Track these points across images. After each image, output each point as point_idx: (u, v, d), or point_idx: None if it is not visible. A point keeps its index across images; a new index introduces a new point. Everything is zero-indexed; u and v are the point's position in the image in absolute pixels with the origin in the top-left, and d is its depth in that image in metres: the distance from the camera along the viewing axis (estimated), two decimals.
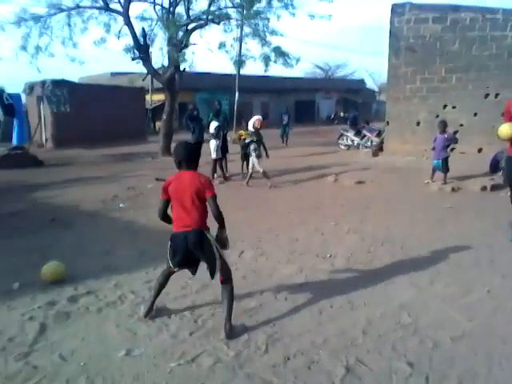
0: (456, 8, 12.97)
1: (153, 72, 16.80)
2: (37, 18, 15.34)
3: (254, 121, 10.84)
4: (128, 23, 15.51)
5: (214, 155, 11.02)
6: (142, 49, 15.82)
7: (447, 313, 3.97)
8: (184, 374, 3.18)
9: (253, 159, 10.42)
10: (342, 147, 18.08)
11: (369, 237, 6.27)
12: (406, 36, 13.65)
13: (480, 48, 12.60)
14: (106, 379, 3.13)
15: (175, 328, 3.83)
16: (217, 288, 4.60)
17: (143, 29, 16.05)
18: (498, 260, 5.19)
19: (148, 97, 30.29)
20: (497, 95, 12.40)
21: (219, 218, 3.66)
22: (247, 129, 12.36)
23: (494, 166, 8.95)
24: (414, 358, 3.29)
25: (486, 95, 12.64)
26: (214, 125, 11.11)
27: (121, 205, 8.72)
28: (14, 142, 14.58)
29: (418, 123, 13.76)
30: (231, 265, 5.26)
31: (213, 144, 11.01)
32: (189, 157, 3.70)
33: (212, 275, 3.71)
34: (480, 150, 12.41)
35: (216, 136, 10.96)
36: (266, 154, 10.72)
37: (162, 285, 4.01)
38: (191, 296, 4.48)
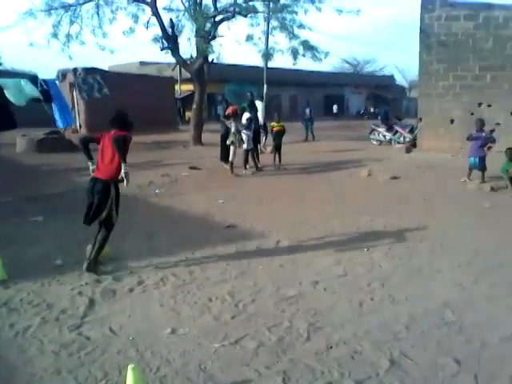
0: (489, 6, 12.72)
1: (181, 62, 16.89)
2: (66, 7, 15.57)
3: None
4: (156, 14, 15.59)
5: (245, 146, 11.04)
6: (170, 39, 15.89)
7: (493, 313, 3.89)
8: (228, 355, 3.24)
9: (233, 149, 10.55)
10: (374, 142, 17.87)
11: (406, 233, 6.19)
12: (437, 33, 13.46)
13: None
14: (155, 354, 3.24)
15: (217, 311, 3.89)
16: (255, 275, 4.68)
17: (171, 19, 16.11)
18: None
19: (177, 87, 30.47)
20: None
21: (117, 150, 4.46)
22: (279, 121, 12.38)
23: None
24: (461, 356, 3.24)
25: None
26: (246, 116, 11.11)
27: (157, 191, 8.84)
28: (60, 125, 14.87)
29: (452, 121, 13.53)
30: (268, 252, 5.38)
31: (244, 135, 11.02)
32: (110, 122, 4.66)
33: (96, 219, 4.58)
34: None
35: (247, 127, 10.97)
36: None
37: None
38: (231, 281, 4.52)
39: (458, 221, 6.82)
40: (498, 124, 12.55)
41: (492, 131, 11.59)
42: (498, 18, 12.51)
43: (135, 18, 15.91)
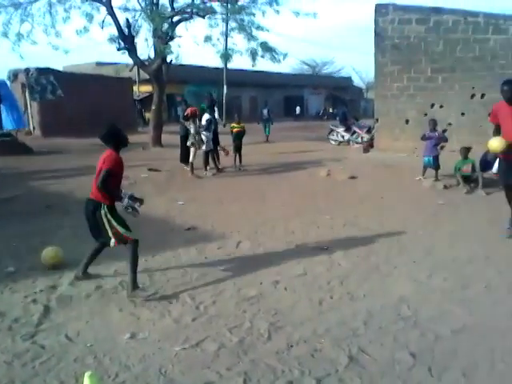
0: (438, 10, 13.15)
1: (139, 63, 16.68)
2: (17, 5, 15.05)
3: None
4: (111, 13, 15.30)
5: (205, 147, 10.99)
6: (126, 39, 15.64)
7: (447, 306, 4.02)
8: (189, 358, 3.21)
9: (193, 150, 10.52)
10: (333, 143, 18.19)
11: (364, 231, 6.33)
12: (390, 36, 13.81)
13: (464, 50, 12.80)
14: (113, 360, 3.17)
15: (177, 314, 3.86)
16: (216, 277, 4.67)
17: (127, 19, 15.83)
18: (493, 256, 5.28)
19: (135, 88, 30.01)
20: (483, 95, 12.61)
21: (99, 189, 4.07)
22: (239, 122, 12.40)
23: (484, 165, 9.09)
24: (416, 350, 3.33)
25: (472, 95, 12.86)
26: (205, 117, 11.07)
27: None
28: (7, 126, 14.33)
29: (407, 121, 13.92)
30: (229, 254, 5.38)
31: (204, 136, 10.97)
32: (103, 138, 4.27)
33: (107, 242, 4.21)
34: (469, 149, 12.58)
35: (207, 128, 10.92)
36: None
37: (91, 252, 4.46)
38: (191, 283, 4.50)
39: (413, 218, 7.03)
40: (449, 124, 13.00)
41: (444, 131, 12.04)
42: (448, 22, 12.96)
43: (90, 17, 15.52)
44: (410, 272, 4.81)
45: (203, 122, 10.96)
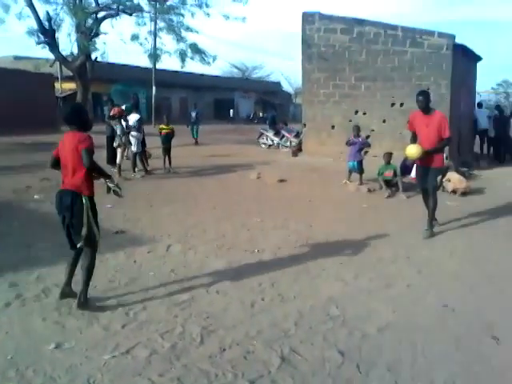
0: (361, 22, 13.79)
1: (61, 58, 15.98)
2: None
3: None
4: (29, 5, 14.57)
5: (134, 149, 10.71)
6: (47, 33, 14.94)
7: (372, 305, 4.22)
8: (119, 366, 3.11)
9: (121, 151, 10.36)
10: (263, 146, 18.44)
11: (294, 233, 6.47)
12: (317, 44, 14.24)
13: (384, 60, 13.50)
14: (37, 372, 3.00)
15: (106, 321, 3.72)
16: (147, 281, 4.56)
17: (47, 12, 15.13)
18: (413, 256, 5.61)
19: (58, 85, 28.62)
20: (402, 104, 13.36)
21: (92, 169, 3.74)
22: (168, 123, 12.21)
23: (404, 170, 9.62)
24: (345, 348, 3.46)
25: (393, 104, 13.58)
26: (135, 117, 10.79)
27: (36, 196, 8.20)
28: None
29: (333, 126, 14.40)
30: (159, 257, 5.27)
31: (134, 137, 10.69)
32: (67, 117, 3.87)
33: (76, 239, 3.80)
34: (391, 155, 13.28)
35: (138, 129, 10.66)
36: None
37: (69, 263, 4.01)
38: (120, 289, 4.36)
39: (340, 221, 7.29)
40: (372, 130, 13.62)
41: (368, 137, 12.61)
42: (370, 34, 13.60)
43: (5, 7, 14.66)
44: (337, 273, 4.98)
45: (132, 122, 10.68)
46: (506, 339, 3.66)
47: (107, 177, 3.97)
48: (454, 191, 9.36)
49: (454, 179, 9.51)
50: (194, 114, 19.86)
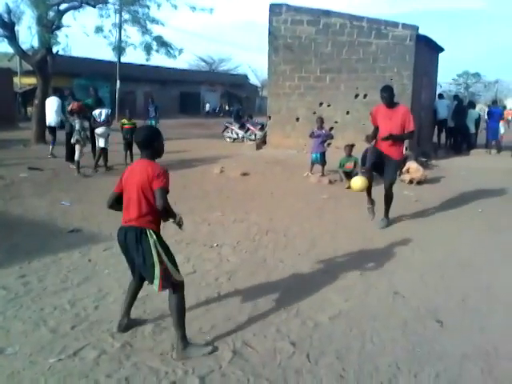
0: (327, 13, 13.86)
1: (20, 53, 15.42)
2: None
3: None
4: None
5: (103, 144, 10.47)
6: (6, 26, 14.36)
7: (326, 295, 4.28)
8: (65, 369, 3.05)
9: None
10: (228, 140, 18.38)
11: (254, 226, 6.47)
12: (283, 35, 14.25)
13: (349, 52, 13.61)
14: None
15: (55, 323, 3.64)
16: (100, 280, 4.47)
17: (6, 4, 14.57)
18: (369, 246, 5.71)
19: (16, 80, 27.75)
20: (365, 96, 13.51)
21: (163, 213, 3.22)
22: (130, 118, 12.00)
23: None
24: (297, 338, 3.50)
25: (356, 95, 13.72)
26: (104, 112, 10.53)
27: None
28: None
29: (298, 119, 14.46)
30: (115, 255, 5.16)
31: (105, 132, 10.44)
32: (143, 142, 3.28)
33: (150, 281, 3.30)
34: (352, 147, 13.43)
35: (107, 122, 10.43)
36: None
37: (129, 293, 3.60)
38: (72, 289, 4.27)
39: (300, 212, 7.34)
40: (336, 122, 13.75)
41: (331, 129, 12.73)
42: (336, 25, 13.66)
43: None
44: (294, 264, 5.02)
45: (103, 116, 10.42)
46: (449, 323, 3.79)
47: (174, 216, 3.34)
48: (411, 181, 9.57)
49: (411, 168, 9.73)
50: (152, 109, 19.47)
